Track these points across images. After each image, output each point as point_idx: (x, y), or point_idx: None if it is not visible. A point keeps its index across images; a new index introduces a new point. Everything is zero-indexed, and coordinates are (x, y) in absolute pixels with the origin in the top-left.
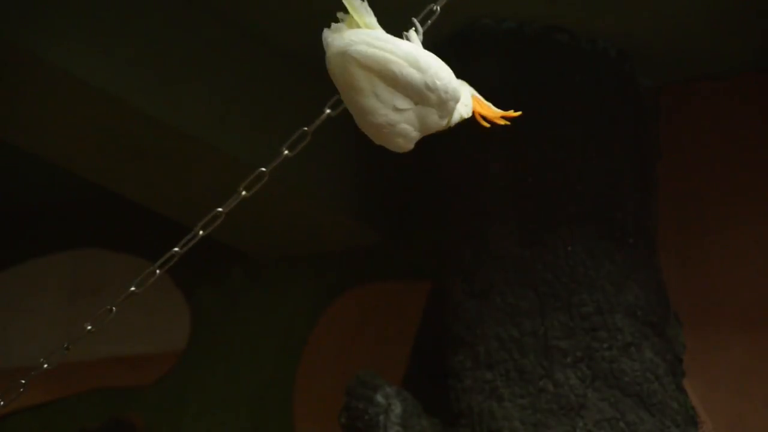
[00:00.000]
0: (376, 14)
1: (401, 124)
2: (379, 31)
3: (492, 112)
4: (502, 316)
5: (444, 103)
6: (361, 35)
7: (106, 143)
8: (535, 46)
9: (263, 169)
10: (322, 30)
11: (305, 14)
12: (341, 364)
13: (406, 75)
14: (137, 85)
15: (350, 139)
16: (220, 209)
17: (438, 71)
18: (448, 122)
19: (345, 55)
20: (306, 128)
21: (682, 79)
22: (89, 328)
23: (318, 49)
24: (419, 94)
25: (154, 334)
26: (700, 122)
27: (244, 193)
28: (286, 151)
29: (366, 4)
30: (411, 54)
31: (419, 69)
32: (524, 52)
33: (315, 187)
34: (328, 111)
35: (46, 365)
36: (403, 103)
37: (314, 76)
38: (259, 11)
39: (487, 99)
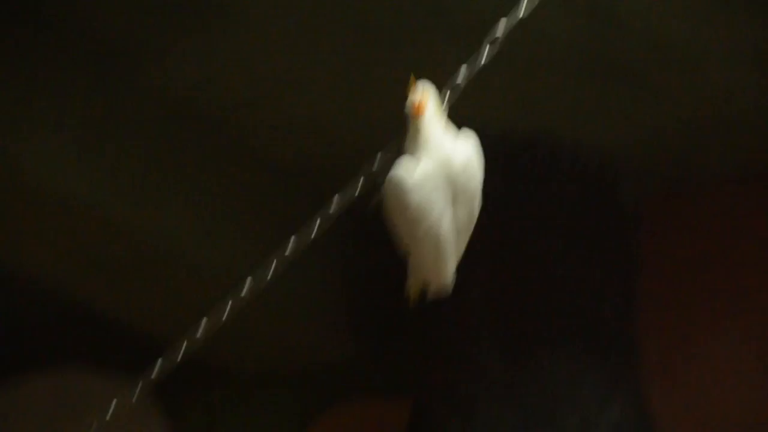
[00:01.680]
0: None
1: None
2: None
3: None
4: None
5: None
6: None
7: (85, 257)
8: (517, 156)
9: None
10: (303, 139)
11: (286, 122)
12: None
13: None
14: (116, 198)
15: (332, 254)
16: (219, 318)
17: None
18: None
19: None
20: (293, 236)
21: (663, 189)
22: None
23: (301, 162)
24: None
25: None
26: (682, 232)
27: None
28: (280, 262)
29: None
30: None
31: None
32: (506, 161)
33: (294, 302)
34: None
35: None
36: None
37: (298, 189)
38: (240, 121)
39: None
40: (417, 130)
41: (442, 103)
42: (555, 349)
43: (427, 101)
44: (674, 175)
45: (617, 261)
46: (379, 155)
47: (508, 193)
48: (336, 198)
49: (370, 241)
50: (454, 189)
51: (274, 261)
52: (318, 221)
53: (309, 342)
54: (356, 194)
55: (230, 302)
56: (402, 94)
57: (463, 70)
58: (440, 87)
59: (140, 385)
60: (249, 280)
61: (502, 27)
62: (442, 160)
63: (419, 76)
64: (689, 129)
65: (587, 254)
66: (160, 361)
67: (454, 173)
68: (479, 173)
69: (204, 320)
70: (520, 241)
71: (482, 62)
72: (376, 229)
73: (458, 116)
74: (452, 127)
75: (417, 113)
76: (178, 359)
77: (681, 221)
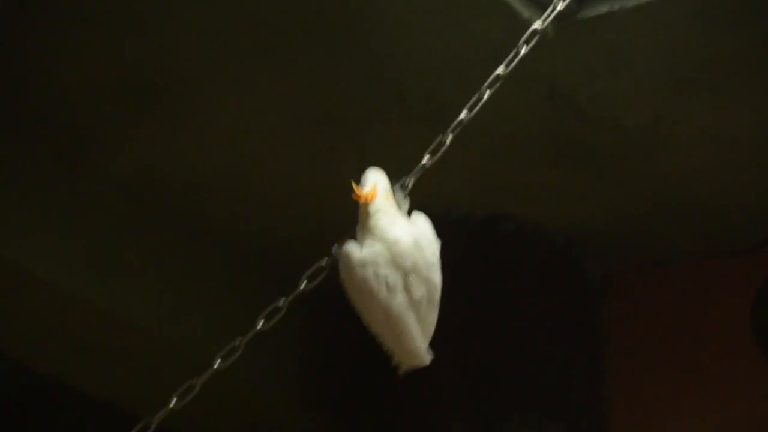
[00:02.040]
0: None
1: None
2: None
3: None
4: None
5: None
6: None
7: (53, 335)
8: (481, 234)
9: (237, 342)
10: (265, 222)
11: (246, 206)
12: None
13: None
14: (85, 278)
15: (294, 326)
16: (193, 382)
17: None
18: None
19: None
20: (279, 304)
21: (628, 265)
22: None
23: (266, 241)
24: None
25: None
26: (647, 307)
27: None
28: (260, 324)
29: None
30: None
31: None
32: (470, 241)
33: (260, 372)
34: (304, 284)
35: None
36: None
37: (257, 266)
38: (203, 204)
39: None
40: (366, 216)
41: (405, 186)
42: (525, 420)
43: (377, 192)
44: (639, 252)
45: (583, 335)
46: (335, 247)
47: (473, 271)
48: (304, 277)
49: (335, 316)
50: (404, 269)
51: (248, 330)
52: (285, 299)
53: (276, 410)
54: (322, 269)
55: (201, 376)
56: (357, 180)
57: (426, 157)
58: (399, 171)
59: None
60: (224, 350)
61: (464, 114)
62: (389, 241)
63: (380, 160)
64: (652, 210)
65: (554, 329)
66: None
67: (401, 254)
68: (431, 253)
69: (174, 395)
70: (487, 315)
71: (444, 147)
72: (340, 304)
73: (421, 199)
74: (405, 210)
75: (365, 201)
76: (149, 426)
77: (646, 297)
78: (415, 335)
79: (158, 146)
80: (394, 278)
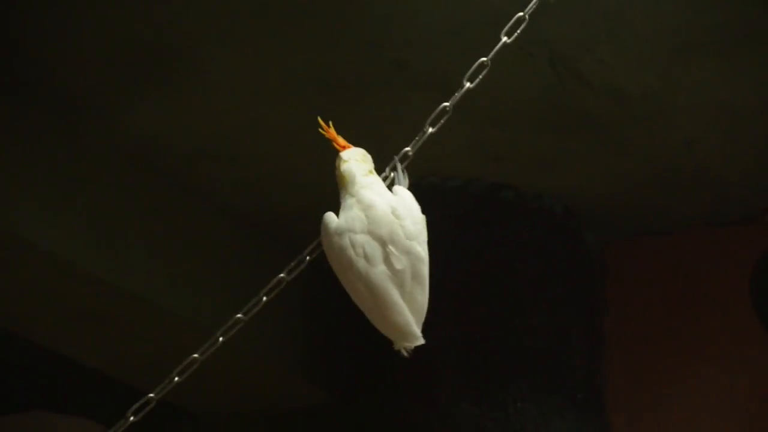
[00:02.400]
0: None
1: None
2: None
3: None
4: None
5: None
6: None
7: (52, 305)
8: (481, 203)
9: (240, 315)
10: (268, 191)
11: (251, 175)
12: None
13: None
14: (85, 248)
15: (297, 300)
16: (196, 356)
17: None
18: None
19: None
20: (283, 275)
21: (627, 235)
22: None
23: (264, 210)
24: None
25: None
26: (646, 277)
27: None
28: (264, 298)
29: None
30: None
31: None
32: (470, 209)
33: (263, 347)
34: (308, 258)
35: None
36: None
37: (261, 237)
38: (206, 173)
39: (435, 253)
40: (343, 181)
41: (407, 157)
42: (522, 390)
43: (348, 145)
44: (638, 221)
45: (582, 306)
46: None
47: (473, 239)
48: (305, 253)
49: (334, 287)
50: (381, 238)
51: (251, 302)
52: (290, 266)
53: (279, 386)
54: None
55: (203, 350)
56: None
57: (428, 128)
58: (401, 137)
59: (112, 429)
60: (227, 324)
61: (467, 85)
62: (363, 203)
63: (382, 127)
64: (652, 179)
65: (553, 299)
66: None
67: (377, 220)
68: (411, 223)
69: (176, 369)
70: (485, 285)
71: (446, 116)
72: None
73: (420, 167)
74: (405, 185)
75: (333, 139)
76: (150, 401)
77: (645, 267)
78: (401, 311)
79: (161, 114)
80: (372, 247)
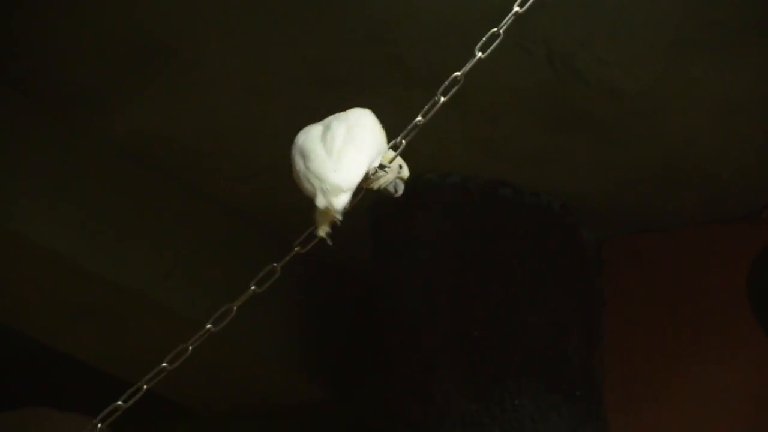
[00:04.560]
0: None
1: None
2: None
3: None
4: None
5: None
6: None
7: (48, 301)
8: (479, 200)
9: (234, 307)
10: (264, 185)
11: (248, 170)
12: None
13: None
14: (82, 244)
15: (293, 295)
16: (186, 345)
17: None
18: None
19: None
20: (276, 264)
21: (625, 232)
22: None
23: (260, 206)
24: None
25: None
26: (644, 274)
27: (209, 326)
28: (253, 287)
29: None
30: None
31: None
32: (468, 206)
33: (259, 344)
34: (297, 248)
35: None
36: None
37: (257, 232)
38: (203, 168)
39: (433, 249)
40: None
41: (398, 145)
42: (519, 387)
43: None
44: (636, 219)
45: (579, 302)
46: None
47: (470, 236)
48: (296, 243)
49: (329, 281)
50: (327, 123)
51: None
52: (278, 263)
53: (276, 382)
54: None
55: (193, 339)
56: None
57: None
58: (398, 133)
59: (102, 416)
60: (217, 313)
61: (457, 73)
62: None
63: (380, 123)
64: (650, 176)
65: (550, 295)
66: (124, 397)
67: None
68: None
69: (167, 358)
70: (482, 281)
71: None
72: (334, 269)
73: (419, 163)
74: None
75: None
76: (140, 390)
77: (643, 264)
78: (327, 167)
79: (159, 109)
80: (316, 129)
